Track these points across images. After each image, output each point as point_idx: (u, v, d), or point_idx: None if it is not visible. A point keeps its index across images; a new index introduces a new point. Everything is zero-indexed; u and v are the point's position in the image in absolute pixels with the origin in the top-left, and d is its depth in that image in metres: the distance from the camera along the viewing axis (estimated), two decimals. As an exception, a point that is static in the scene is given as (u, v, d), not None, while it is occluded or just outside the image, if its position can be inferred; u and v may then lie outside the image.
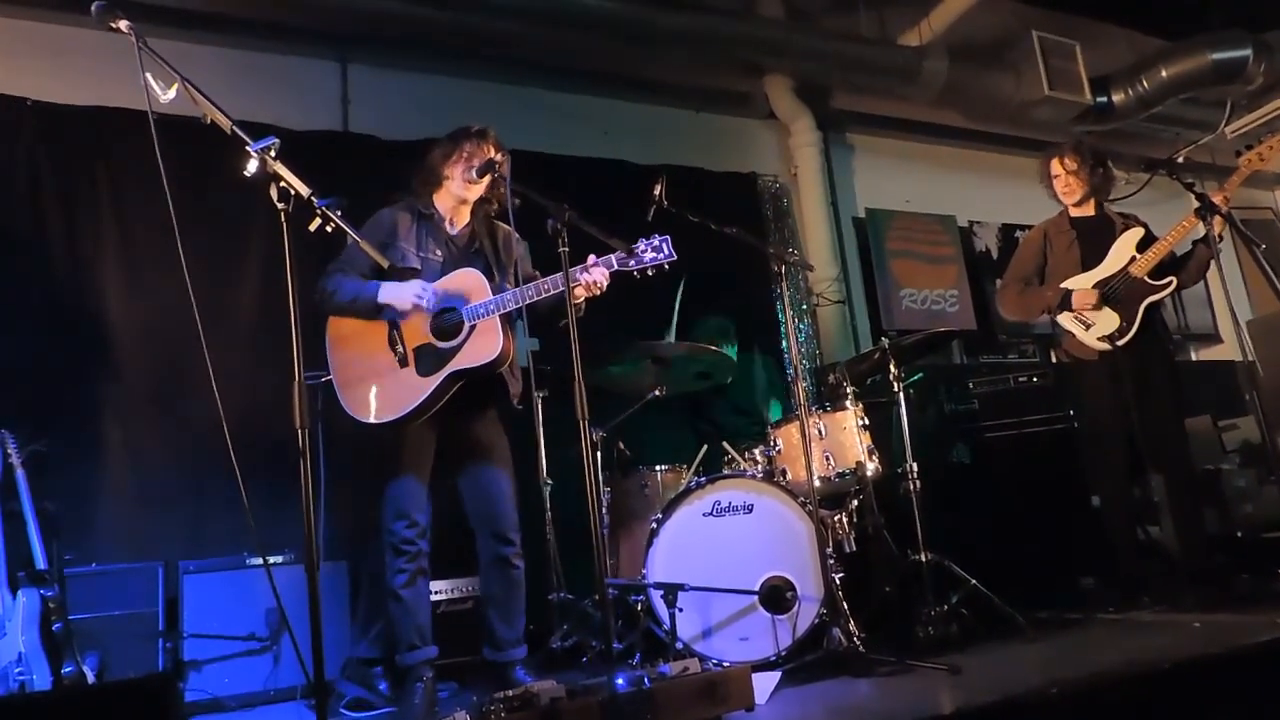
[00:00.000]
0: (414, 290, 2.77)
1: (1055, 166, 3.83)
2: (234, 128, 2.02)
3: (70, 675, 2.81)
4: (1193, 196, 3.52)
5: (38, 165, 3.91)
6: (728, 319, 4.29)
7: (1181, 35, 6.43)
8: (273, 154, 2.00)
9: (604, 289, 2.78)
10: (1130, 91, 6.38)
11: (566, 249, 2.48)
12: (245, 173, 2.01)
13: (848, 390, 3.42)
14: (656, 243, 2.76)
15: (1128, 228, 3.75)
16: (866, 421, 3.36)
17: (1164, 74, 6.28)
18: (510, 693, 2.09)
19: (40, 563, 2.92)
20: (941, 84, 5.92)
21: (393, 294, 2.79)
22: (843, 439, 3.30)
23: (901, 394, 3.42)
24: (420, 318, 2.81)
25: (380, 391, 2.78)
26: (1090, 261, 3.73)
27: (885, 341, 3.48)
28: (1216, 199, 3.44)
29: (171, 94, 2.00)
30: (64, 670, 2.81)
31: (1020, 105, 6.19)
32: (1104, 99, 6.38)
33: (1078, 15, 6.86)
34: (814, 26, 5.82)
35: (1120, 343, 3.60)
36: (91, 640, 3.07)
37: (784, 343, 5.32)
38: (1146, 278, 3.61)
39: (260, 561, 3.45)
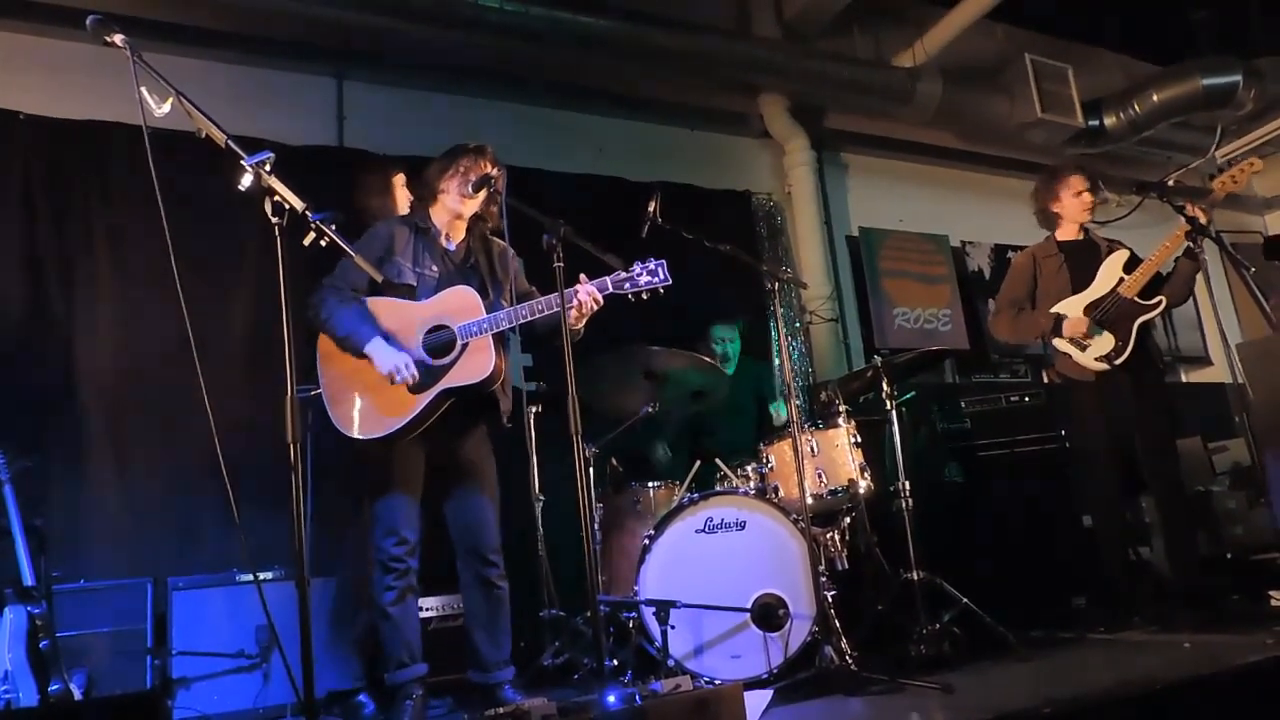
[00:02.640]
0: (399, 363, 2.71)
1: (1078, 183, 3.85)
2: (229, 142, 2.03)
3: (57, 693, 2.77)
4: (1183, 219, 3.56)
5: (30, 179, 3.89)
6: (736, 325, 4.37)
7: (1173, 60, 6.51)
8: (267, 168, 2.00)
9: (598, 308, 2.79)
10: (1122, 115, 6.45)
11: (561, 264, 2.49)
12: (240, 187, 2.01)
13: (840, 408, 3.42)
14: (652, 266, 2.77)
15: (1113, 250, 3.80)
16: (859, 439, 3.36)
17: (1155, 98, 6.36)
18: (501, 710, 2.08)
19: (28, 579, 2.89)
20: (935, 105, 5.98)
21: (378, 355, 2.72)
22: (835, 456, 3.30)
23: (894, 412, 3.44)
24: (412, 334, 2.81)
25: (370, 407, 2.77)
26: (1080, 284, 3.77)
27: (878, 359, 3.50)
28: (1192, 212, 3.50)
29: (166, 108, 2.00)
30: (51, 688, 2.77)
31: (1013, 127, 6.25)
32: (1096, 122, 6.45)
33: (1070, 39, 6.95)
34: (809, 48, 5.87)
35: (1117, 362, 3.63)
36: (79, 657, 3.03)
37: (776, 360, 5.33)
38: (1136, 298, 3.65)
39: (250, 578, 3.42)
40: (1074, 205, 3.86)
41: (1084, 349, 3.67)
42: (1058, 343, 3.74)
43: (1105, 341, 3.65)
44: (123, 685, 3.14)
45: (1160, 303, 3.66)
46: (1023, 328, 3.88)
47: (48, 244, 3.88)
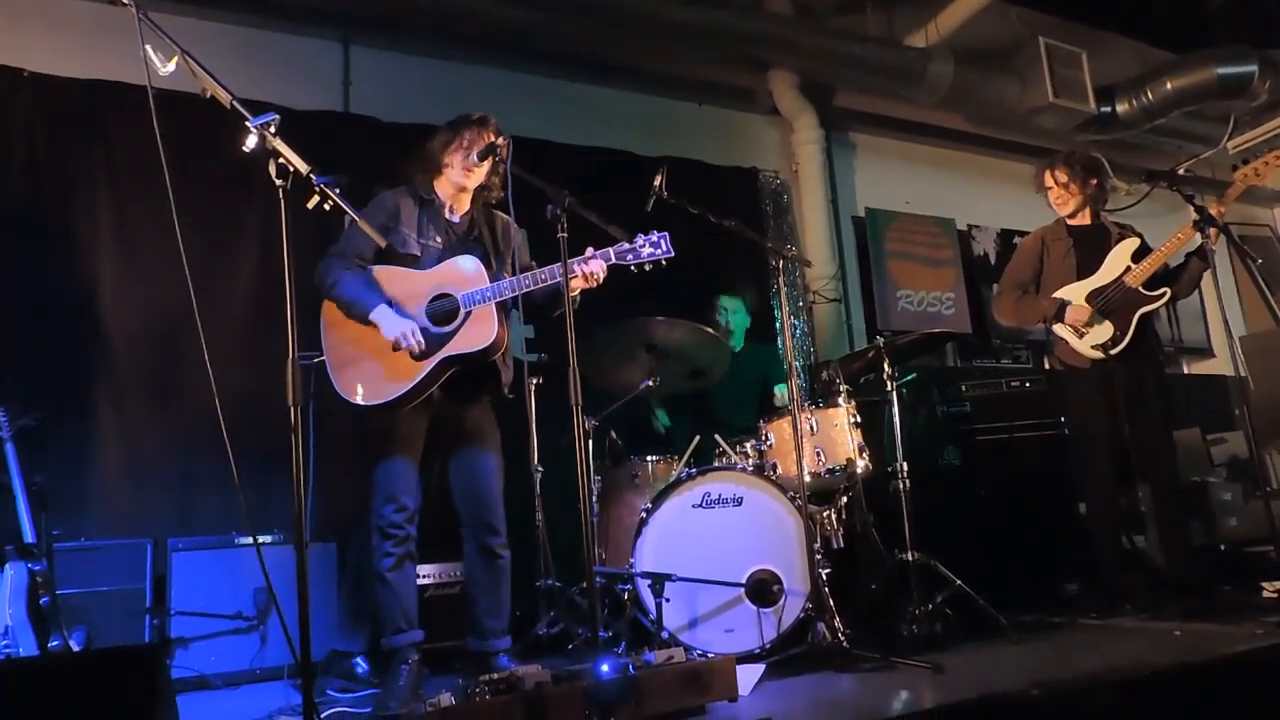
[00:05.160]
0: (406, 329, 2.71)
1: (1047, 179, 3.87)
2: (234, 102, 2.01)
3: (57, 649, 2.81)
4: (1192, 209, 3.53)
5: (33, 137, 3.87)
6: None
7: (1188, 48, 6.44)
8: (272, 130, 1.99)
9: (600, 281, 2.79)
10: (1134, 102, 6.38)
11: (565, 235, 2.49)
12: (244, 148, 1.99)
13: (841, 387, 3.42)
14: (655, 239, 2.77)
15: (1123, 238, 3.76)
16: (859, 419, 3.37)
17: (1169, 86, 6.29)
18: (495, 676, 2.10)
19: (28, 536, 2.91)
20: (946, 87, 5.92)
21: (385, 322, 2.73)
22: (834, 435, 3.31)
23: (894, 393, 3.44)
24: (416, 303, 2.81)
25: (373, 374, 2.78)
26: (1086, 270, 3.75)
27: (880, 340, 3.50)
28: (1212, 211, 3.46)
29: (171, 67, 1.98)
30: (50, 644, 2.81)
31: (1024, 112, 6.19)
32: (1108, 108, 6.38)
33: (1085, 24, 6.86)
34: (821, 25, 5.81)
35: (1113, 352, 3.62)
36: (78, 615, 3.06)
37: (779, 339, 5.33)
38: (1141, 288, 3.63)
39: (249, 540, 3.45)
40: (1047, 199, 3.88)
41: (1081, 336, 3.67)
42: (1057, 328, 3.74)
43: (1104, 330, 3.64)
44: (121, 643, 3.17)
45: (1164, 295, 3.63)
46: (1025, 311, 3.87)
47: (50, 203, 3.87)
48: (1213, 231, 3.45)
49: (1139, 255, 3.68)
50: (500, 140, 2.88)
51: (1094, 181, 3.82)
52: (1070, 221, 3.88)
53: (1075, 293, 3.72)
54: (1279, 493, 4.83)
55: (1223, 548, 4.50)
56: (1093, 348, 3.65)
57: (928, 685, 2.45)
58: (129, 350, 3.86)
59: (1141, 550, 4.32)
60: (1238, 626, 2.93)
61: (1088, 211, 3.86)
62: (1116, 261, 3.70)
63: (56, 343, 3.74)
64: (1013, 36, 6.39)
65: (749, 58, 5.68)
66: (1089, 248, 3.78)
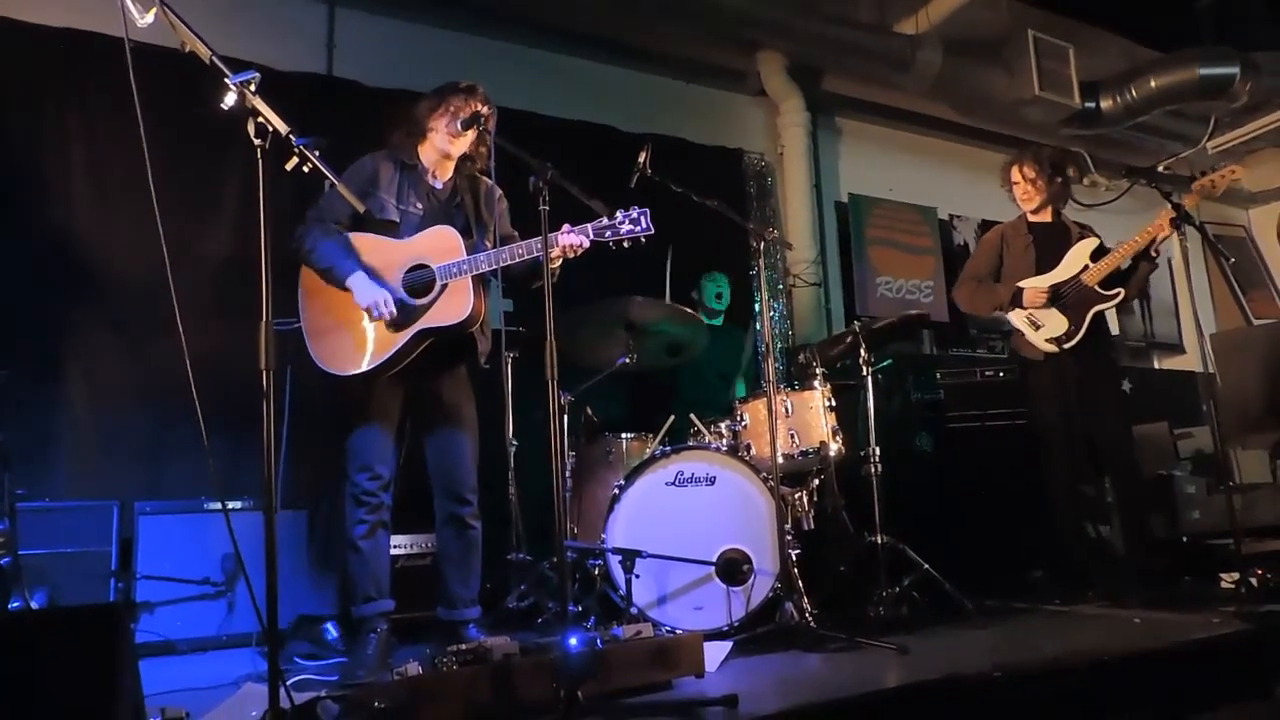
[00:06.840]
0: (379, 298, 2.69)
1: (1014, 174, 3.92)
2: (213, 58, 1.96)
3: (18, 610, 2.77)
4: (1169, 206, 3.58)
5: (3, 86, 3.76)
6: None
7: (1174, 48, 6.47)
8: (252, 88, 1.94)
9: (579, 252, 2.77)
10: (1118, 99, 6.41)
11: (547, 208, 2.46)
12: (222, 106, 1.95)
13: (817, 370, 3.44)
14: (635, 215, 2.74)
15: (1083, 237, 3.85)
16: (833, 403, 3.39)
17: (1153, 84, 6.32)
18: (463, 646, 2.10)
19: (-10, 496, 2.87)
20: (934, 75, 5.92)
21: (359, 289, 2.71)
22: (808, 418, 3.34)
23: (870, 378, 3.46)
24: (393, 273, 2.78)
25: (349, 344, 2.76)
26: (1044, 266, 3.82)
27: (857, 325, 3.52)
28: (1187, 205, 3.53)
29: (149, 18, 1.93)
30: (11, 606, 2.77)
31: (1010, 103, 6.20)
32: (1092, 104, 6.41)
33: (1074, 19, 6.88)
34: (812, 7, 5.78)
35: (1066, 346, 3.70)
36: (41, 577, 3.02)
37: (757, 321, 5.34)
38: (1097, 286, 3.70)
39: (219, 506, 3.42)
40: (1012, 194, 3.92)
41: (1037, 328, 3.73)
42: (1013, 319, 3.81)
43: (1058, 324, 3.71)
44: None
45: (1118, 295, 3.71)
46: (981, 300, 3.94)
47: (20, 155, 3.76)
48: (1169, 227, 3.52)
49: (1097, 255, 3.75)
50: (485, 110, 2.85)
51: (1059, 180, 3.88)
52: (1031, 218, 3.95)
53: (1034, 285, 3.77)
54: (1241, 487, 4.92)
55: (1185, 540, 4.58)
56: (1047, 341, 3.72)
57: (892, 666, 2.49)
58: (101, 307, 3.79)
59: (1106, 540, 4.39)
60: (1196, 615, 3.00)
61: (1049, 210, 3.92)
62: (1075, 259, 3.77)
63: (25, 298, 3.65)
64: (1002, 28, 6.39)
65: (739, 37, 5.64)
66: (1048, 245, 3.85)
